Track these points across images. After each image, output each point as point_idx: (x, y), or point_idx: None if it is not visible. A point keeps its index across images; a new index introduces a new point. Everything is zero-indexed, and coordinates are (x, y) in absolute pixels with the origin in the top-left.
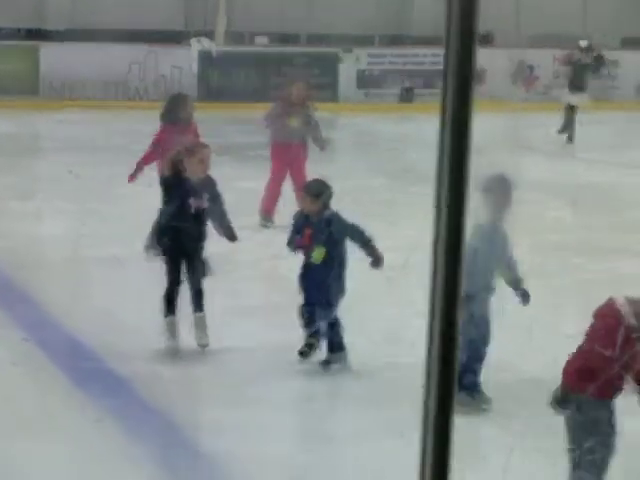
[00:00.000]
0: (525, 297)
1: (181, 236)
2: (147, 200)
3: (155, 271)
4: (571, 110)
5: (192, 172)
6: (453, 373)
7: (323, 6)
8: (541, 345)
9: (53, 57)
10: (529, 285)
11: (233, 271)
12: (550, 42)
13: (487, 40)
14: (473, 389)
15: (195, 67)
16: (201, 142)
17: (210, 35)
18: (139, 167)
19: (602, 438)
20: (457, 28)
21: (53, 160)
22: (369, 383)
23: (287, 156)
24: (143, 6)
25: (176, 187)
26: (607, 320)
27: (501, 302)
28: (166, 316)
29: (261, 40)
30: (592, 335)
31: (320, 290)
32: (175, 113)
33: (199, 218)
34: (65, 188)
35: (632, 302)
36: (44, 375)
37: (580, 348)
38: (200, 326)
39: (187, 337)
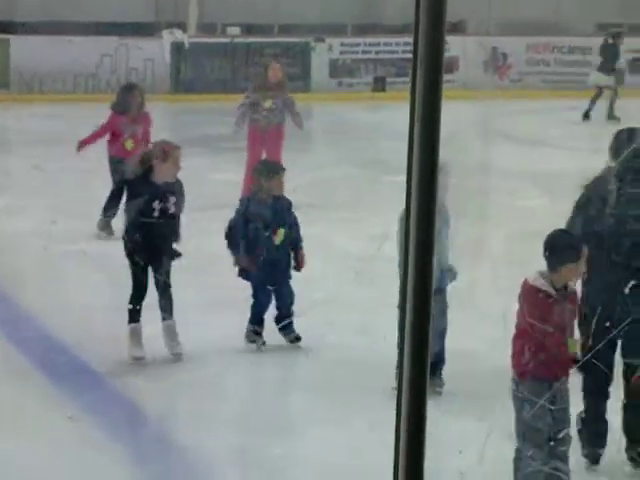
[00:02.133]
0: (453, 276)
1: (146, 239)
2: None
3: (127, 266)
4: (599, 91)
5: (163, 175)
6: (425, 364)
7: None
8: None
9: (23, 50)
10: (506, 273)
11: (208, 265)
12: (523, 29)
13: (459, 28)
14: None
15: (167, 58)
16: (174, 144)
17: (182, 26)
18: (82, 145)
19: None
20: (426, 16)
21: (22, 154)
22: (341, 375)
23: (263, 141)
24: None
25: (142, 188)
26: (532, 299)
27: (472, 292)
28: (130, 323)
29: (233, 31)
30: (522, 315)
31: (281, 270)
32: (126, 103)
33: (165, 221)
34: (34, 183)
35: (544, 275)
36: (18, 372)
37: (515, 330)
38: (171, 334)
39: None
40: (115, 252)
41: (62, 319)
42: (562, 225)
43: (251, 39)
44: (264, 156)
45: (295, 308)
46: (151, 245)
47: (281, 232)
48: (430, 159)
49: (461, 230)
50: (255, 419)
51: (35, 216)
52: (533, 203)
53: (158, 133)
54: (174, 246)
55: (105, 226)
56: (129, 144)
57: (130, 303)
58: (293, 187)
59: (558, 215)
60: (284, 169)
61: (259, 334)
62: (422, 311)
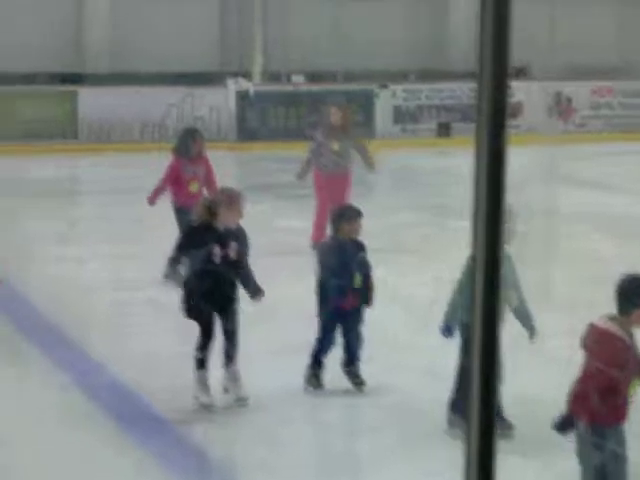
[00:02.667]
0: (532, 332)
1: (209, 286)
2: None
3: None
4: None
5: (227, 220)
6: (494, 408)
7: (358, 44)
8: None
9: (91, 101)
10: (574, 316)
11: (274, 311)
12: (586, 74)
13: (523, 73)
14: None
15: (232, 107)
16: (237, 191)
17: (247, 75)
18: (154, 196)
19: (606, 463)
20: (490, 62)
21: (92, 203)
22: (406, 418)
23: (331, 185)
24: (179, 49)
25: (205, 234)
26: (605, 344)
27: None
28: (197, 370)
29: (297, 79)
30: (592, 360)
31: (353, 314)
32: (186, 147)
33: (228, 267)
34: (103, 231)
35: (614, 319)
36: (87, 418)
37: (582, 374)
38: (236, 380)
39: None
40: (176, 299)
41: (129, 366)
42: (628, 269)
43: (315, 87)
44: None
45: (362, 352)
46: (215, 292)
47: (358, 277)
48: (496, 204)
49: (526, 274)
50: (321, 463)
51: (103, 264)
52: (598, 247)
53: (223, 180)
54: (254, 288)
55: (172, 274)
56: (193, 187)
57: (197, 350)
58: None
59: (624, 258)
60: (362, 213)
61: (318, 377)
62: (489, 355)
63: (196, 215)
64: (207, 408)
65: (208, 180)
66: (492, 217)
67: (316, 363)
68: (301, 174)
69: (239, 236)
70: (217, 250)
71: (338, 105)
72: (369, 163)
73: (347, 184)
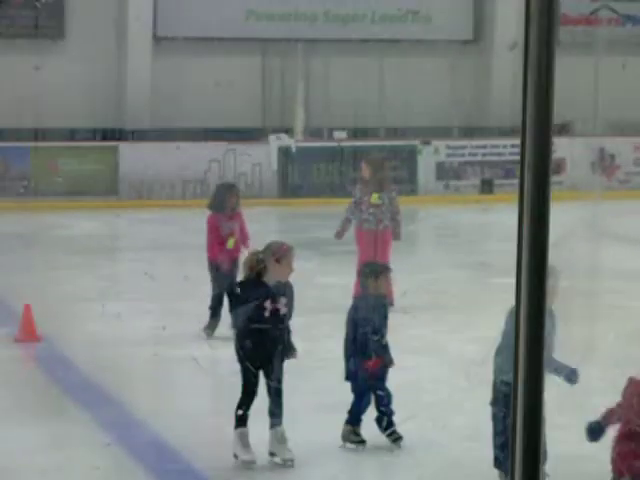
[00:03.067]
0: (572, 377)
1: (259, 342)
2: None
3: (235, 372)
4: None
5: (276, 275)
6: (538, 467)
7: (401, 99)
8: None
9: (132, 157)
10: (618, 372)
11: (317, 368)
12: (630, 130)
13: (566, 129)
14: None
15: (274, 163)
16: (287, 245)
17: (289, 131)
18: (215, 258)
19: None
20: (533, 118)
21: (132, 259)
22: (450, 479)
23: (373, 241)
24: (221, 104)
25: (254, 290)
26: None
27: (583, 394)
28: (237, 428)
29: (340, 135)
30: (630, 417)
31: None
32: (221, 202)
33: (276, 322)
34: (144, 287)
35: None
36: (129, 477)
37: (626, 431)
38: (281, 441)
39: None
40: (222, 356)
41: (171, 424)
42: None
43: (358, 142)
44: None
45: (406, 410)
46: (262, 349)
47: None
48: (539, 261)
49: (572, 332)
50: None
51: (146, 321)
52: None
53: (266, 237)
54: (289, 346)
55: (210, 329)
56: (230, 243)
57: (239, 408)
58: (403, 290)
59: None
60: (390, 269)
61: (358, 434)
62: (533, 413)
63: (245, 269)
64: (248, 465)
65: (242, 236)
66: (535, 274)
67: (352, 419)
68: (340, 233)
69: (287, 293)
70: (268, 304)
71: (367, 160)
72: (396, 232)
73: (389, 238)
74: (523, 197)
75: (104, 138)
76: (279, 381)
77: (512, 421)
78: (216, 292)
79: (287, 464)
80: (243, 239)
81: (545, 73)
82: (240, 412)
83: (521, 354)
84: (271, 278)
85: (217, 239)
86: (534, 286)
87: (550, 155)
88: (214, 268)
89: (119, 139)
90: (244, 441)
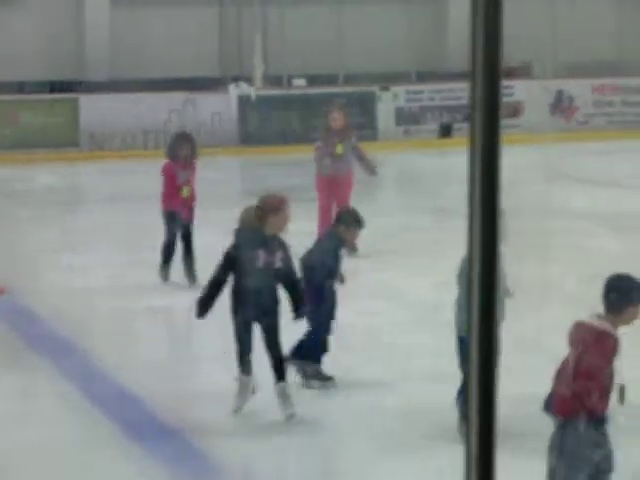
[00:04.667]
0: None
1: (251, 294)
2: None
3: (199, 322)
4: None
5: (273, 227)
6: (494, 408)
7: (358, 46)
8: None
9: (92, 108)
10: (576, 314)
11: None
12: (588, 72)
13: (524, 72)
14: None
15: (234, 112)
16: (285, 197)
17: (248, 80)
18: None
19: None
20: (482, 60)
21: (93, 211)
22: (408, 421)
23: (333, 188)
24: (180, 55)
25: (252, 239)
26: (603, 343)
27: (538, 335)
28: (242, 372)
29: (299, 82)
30: (588, 358)
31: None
32: (175, 151)
33: (269, 274)
34: (107, 239)
35: (604, 317)
36: (92, 426)
37: (576, 372)
38: (283, 396)
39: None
40: (181, 305)
41: (138, 374)
42: (632, 265)
43: (316, 90)
44: (334, 203)
45: (366, 353)
46: (255, 299)
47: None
48: (491, 202)
49: (527, 272)
50: (324, 467)
51: (109, 272)
52: (602, 244)
53: (228, 186)
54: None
55: (163, 275)
56: (185, 191)
57: (238, 357)
58: (364, 235)
59: (628, 255)
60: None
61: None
62: (487, 355)
63: (242, 221)
64: (236, 411)
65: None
66: (487, 215)
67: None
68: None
69: (285, 246)
70: (262, 254)
71: (338, 108)
72: (370, 168)
73: (349, 186)
74: (474, 139)
75: (63, 90)
76: (274, 336)
77: (468, 365)
78: (168, 239)
79: (289, 419)
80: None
81: (493, 14)
82: (239, 359)
83: (474, 295)
84: (268, 231)
85: (172, 187)
86: (487, 227)
87: (500, 97)
88: (168, 215)
89: (78, 91)
90: (243, 391)
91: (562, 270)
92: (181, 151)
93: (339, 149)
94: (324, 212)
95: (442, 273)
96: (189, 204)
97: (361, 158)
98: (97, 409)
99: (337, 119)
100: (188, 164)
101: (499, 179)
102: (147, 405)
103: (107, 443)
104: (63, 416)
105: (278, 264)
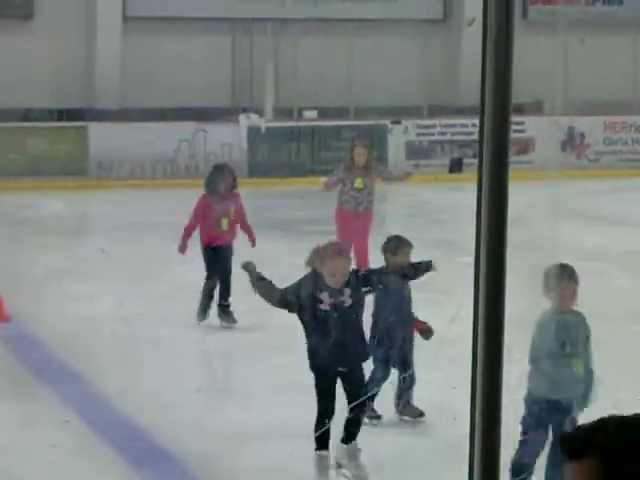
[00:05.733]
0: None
1: (324, 342)
2: (192, 278)
3: (195, 350)
4: None
5: (329, 274)
6: (497, 449)
7: (370, 79)
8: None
9: (102, 137)
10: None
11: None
12: (600, 109)
13: (535, 108)
14: None
15: (244, 143)
16: (341, 244)
17: (258, 111)
18: (185, 237)
19: None
20: (492, 97)
21: (101, 239)
22: (413, 454)
23: (353, 224)
24: (190, 85)
25: (310, 283)
26: None
27: None
28: (317, 449)
29: (310, 114)
30: None
31: None
32: (215, 183)
33: (341, 317)
34: (112, 268)
35: None
36: (94, 454)
37: None
38: (353, 458)
39: None
40: (188, 338)
41: (139, 403)
42: None
43: (327, 122)
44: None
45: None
46: (332, 350)
47: None
48: (498, 237)
49: (539, 310)
50: None
51: (114, 301)
52: (614, 283)
53: None
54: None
55: (202, 314)
56: (224, 224)
57: (316, 428)
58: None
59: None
60: (411, 245)
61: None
62: (493, 387)
63: (308, 262)
64: None
65: (238, 216)
66: (494, 251)
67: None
68: (328, 184)
69: (351, 279)
70: (326, 298)
71: (363, 144)
72: (401, 177)
73: (369, 222)
74: (483, 176)
75: (73, 118)
76: (360, 386)
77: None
78: (210, 276)
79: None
80: (241, 221)
81: (504, 49)
82: (318, 432)
83: (480, 339)
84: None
85: (209, 221)
86: (493, 261)
87: (509, 134)
88: (206, 251)
89: (88, 119)
90: (322, 465)
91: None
92: (221, 183)
93: (359, 183)
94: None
95: (447, 307)
96: (228, 238)
97: (389, 176)
98: (98, 436)
99: (361, 155)
100: (227, 196)
101: (506, 214)
102: (150, 434)
103: (107, 471)
104: (63, 443)
105: (348, 302)
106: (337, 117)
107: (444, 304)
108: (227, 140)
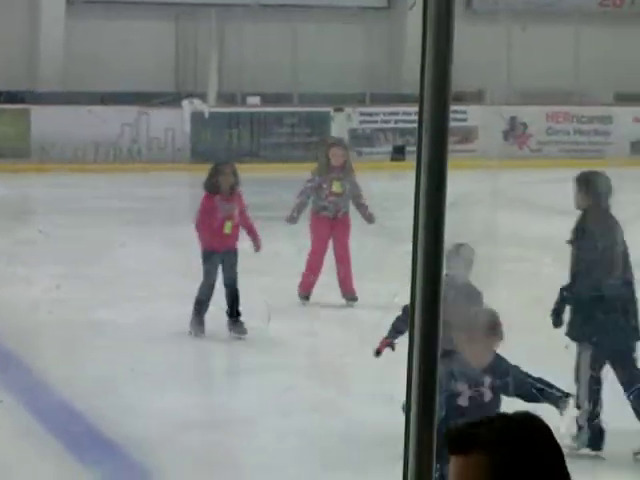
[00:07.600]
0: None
1: None
2: (131, 262)
3: (135, 335)
4: None
5: (473, 359)
6: (432, 432)
7: (313, 66)
8: None
9: (45, 120)
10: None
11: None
12: (542, 99)
13: (478, 97)
14: None
15: (188, 128)
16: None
17: (202, 96)
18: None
19: None
20: (430, 86)
21: (41, 223)
22: (352, 443)
23: (331, 229)
24: (134, 69)
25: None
26: None
27: None
28: None
29: (253, 100)
30: None
31: None
32: (218, 182)
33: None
34: (53, 252)
35: None
36: (34, 440)
37: None
38: None
39: None
40: (122, 320)
41: (79, 387)
42: None
43: (270, 108)
44: (331, 246)
45: (306, 375)
46: None
47: None
48: (435, 227)
49: None
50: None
51: (54, 285)
52: (547, 270)
53: (180, 201)
54: None
55: (198, 327)
56: (228, 227)
57: None
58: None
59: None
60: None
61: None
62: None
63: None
64: None
65: (242, 219)
66: (432, 239)
67: None
68: (294, 218)
69: (496, 362)
70: (465, 389)
71: (339, 144)
72: (365, 215)
73: (348, 227)
74: (420, 165)
75: (15, 100)
76: None
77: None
78: (207, 284)
79: None
80: (245, 223)
81: (444, 36)
82: None
83: (417, 325)
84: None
85: (213, 223)
86: (430, 251)
87: (448, 119)
88: (207, 256)
89: (30, 102)
90: None
91: (504, 296)
92: (225, 182)
93: (337, 187)
94: (315, 257)
95: (384, 295)
96: (232, 242)
97: (360, 205)
98: (38, 422)
99: (339, 155)
100: (231, 196)
101: (444, 201)
102: (90, 419)
103: (46, 456)
104: (2, 427)
105: (488, 396)
106: (280, 103)
107: (382, 291)
108: (170, 125)
